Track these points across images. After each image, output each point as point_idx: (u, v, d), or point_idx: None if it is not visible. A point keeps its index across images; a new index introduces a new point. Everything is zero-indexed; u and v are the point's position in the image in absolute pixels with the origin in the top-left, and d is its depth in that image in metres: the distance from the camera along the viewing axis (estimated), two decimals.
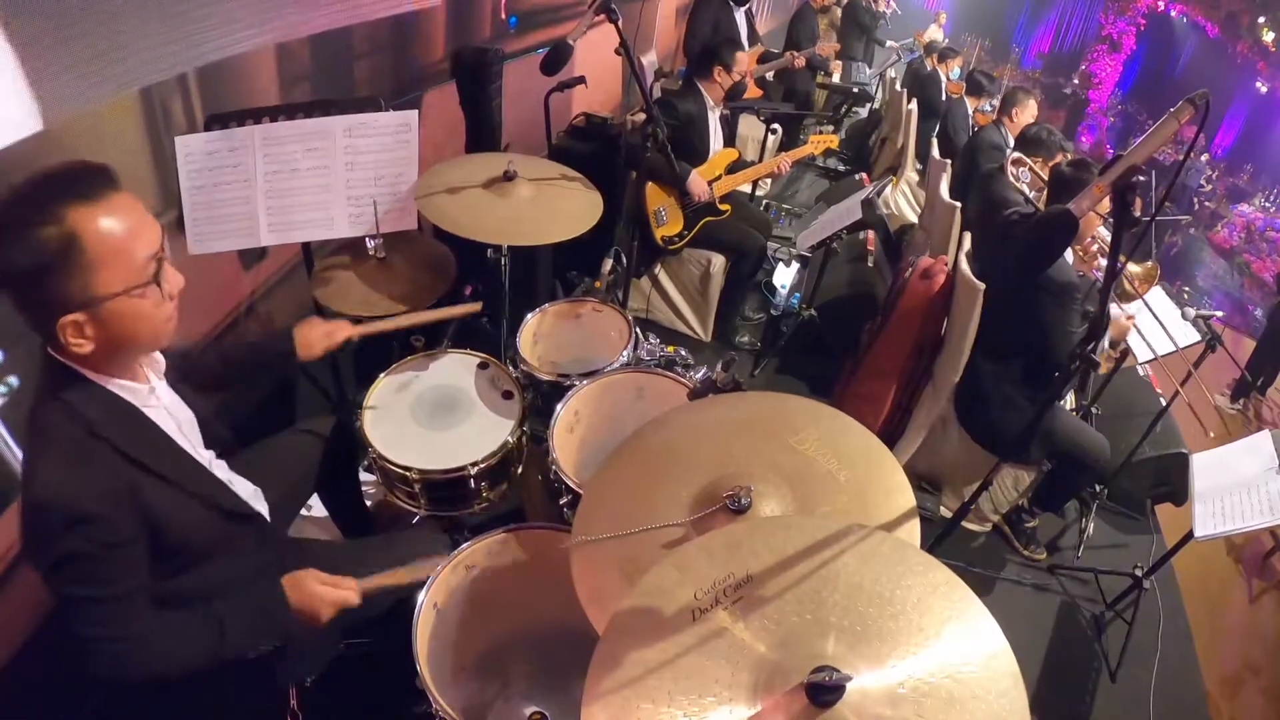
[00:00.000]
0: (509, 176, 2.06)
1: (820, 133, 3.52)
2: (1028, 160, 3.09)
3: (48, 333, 1.01)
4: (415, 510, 1.85)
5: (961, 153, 4.29)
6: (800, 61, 5.20)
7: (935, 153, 4.35)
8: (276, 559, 1.41)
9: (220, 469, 1.35)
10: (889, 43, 7.28)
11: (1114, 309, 2.63)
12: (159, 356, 1.22)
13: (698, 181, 3.13)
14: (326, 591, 1.26)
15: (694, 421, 1.47)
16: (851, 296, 4.06)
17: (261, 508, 1.41)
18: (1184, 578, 2.89)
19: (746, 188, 3.70)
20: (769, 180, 4.90)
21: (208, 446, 1.35)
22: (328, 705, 1.56)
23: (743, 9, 4.63)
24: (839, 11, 6.90)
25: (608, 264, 2.57)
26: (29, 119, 1.60)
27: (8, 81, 1.53)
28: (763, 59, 5.06)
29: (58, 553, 1.03)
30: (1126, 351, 2.74)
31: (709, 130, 3.26)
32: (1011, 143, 4.06)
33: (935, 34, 8.37)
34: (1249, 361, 5.24)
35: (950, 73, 5.76)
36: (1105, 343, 2.44)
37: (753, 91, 4.76)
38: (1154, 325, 2.76)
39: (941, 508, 2.86)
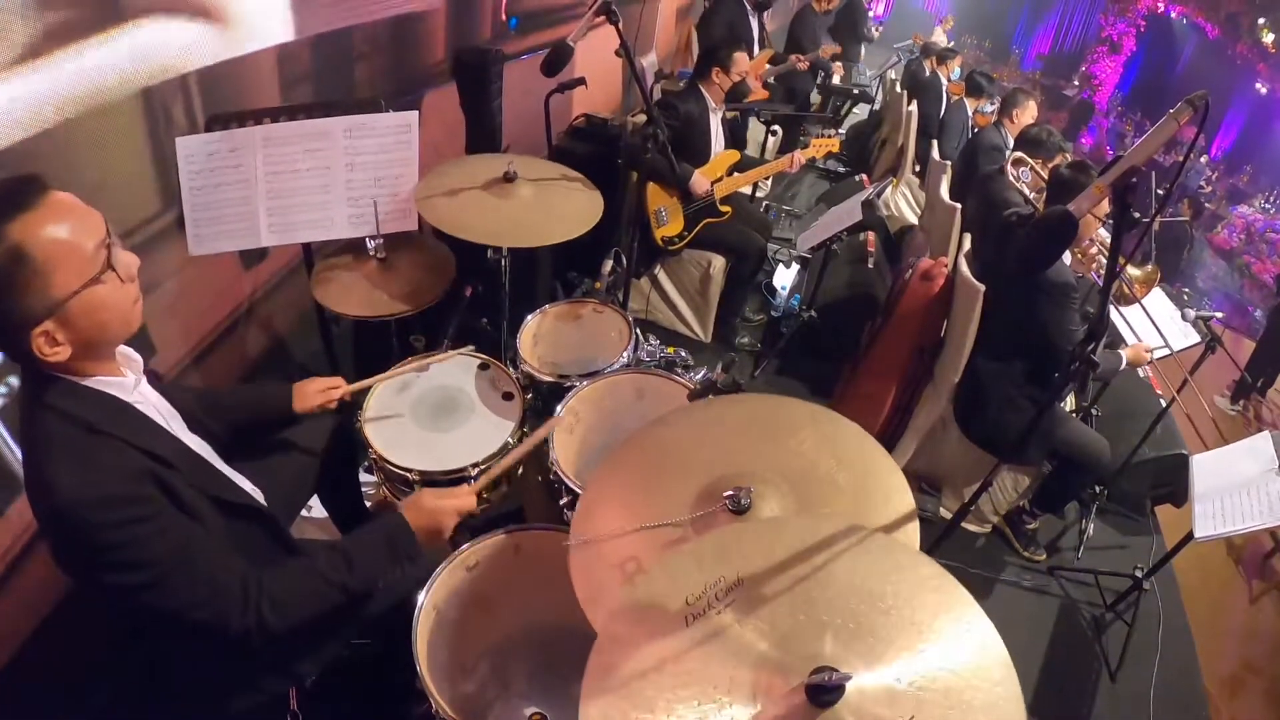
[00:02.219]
0: (509, 178, 2.07)
1: (823, 136, 3.52)
2: (1029, 161, 3.10)
3: (22, 352, 1.00)
4: None
5: (961, 154, 4.29)
6: (804, 64, 5.21)
7: (935, 154, 4.35)
8: (289, 558, 1.39)
9: (218, 462, 1.33)
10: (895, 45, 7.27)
11: (1130, 335, 2.64)
12: (136, 356, 1.21)
13: (700, 181, 3.13)
14: (445, 503, 1.29)
15: (694, 422, 1.47)
16: (852, 298, 4.06)
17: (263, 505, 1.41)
18: (1184, 578, 2.89)
19: (746, 189, 3.71)
20: (769, 181, 4.91)
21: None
22: (328, 705, 1.56)
23: (757, 12, 4.63)
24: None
25: (608, 265, 2.56)
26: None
27: None
28: (772, 62, 5.07)
29: (107, 544, 1.01)
30: None
31: (710, 131, 3.26)
32: (1011, 144, 4.06)
33: (940, 38, 8.35)
34: (1249, 363, 5.24)
35: (950, 74, 5.76)
36: (1121, 365, 2.45)
37: (760, 94, 4.77)
38: (1154, 327, 2.76)
39: (941, 509, 2.86)
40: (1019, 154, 3.15)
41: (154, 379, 1.29)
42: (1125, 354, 2.47)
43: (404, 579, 1.43)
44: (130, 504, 1.03)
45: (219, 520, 1.21)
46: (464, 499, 1.32)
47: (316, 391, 1.64)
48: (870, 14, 7.05)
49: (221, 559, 1.13)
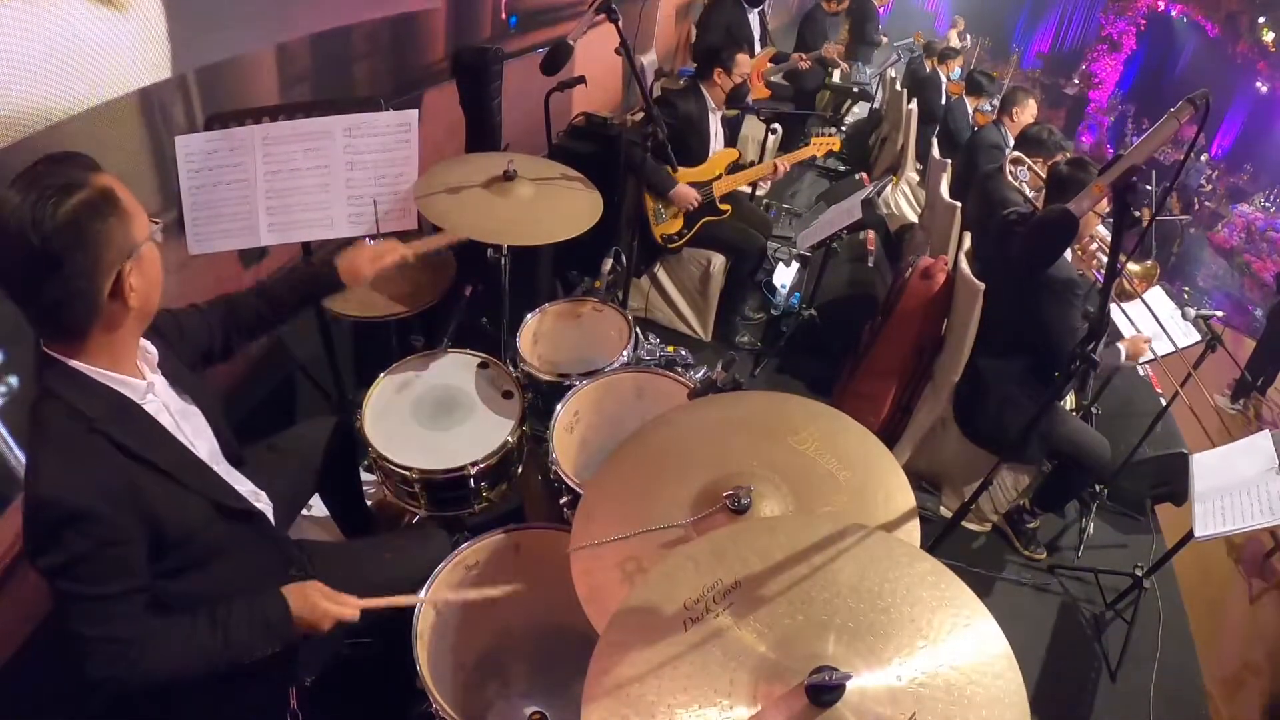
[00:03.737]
0: (509, 176, 2.06)
1: (823, 134, 3.52)
2: (1027, 159, 3.10)
3: (106, 297, 1.05)
4: (416, 510, 1.85)
5: (961, 152, 4.29)
6: (805, 63, 5.21)
7: (935, 152, 4.35)
8: (282, 560, 1.41)
9: (221, 465, 1.35)
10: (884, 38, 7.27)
11: (1130, 331, 2.64)
12: (151, 348, 1.23)
13: (683, 193, 3.11)
14: (329, 607, 1.27)
15: (694, 421, 1.47)
16: (852, 296, 4.07)
17: (263, 507, 1.41)
18: (1184, 578, 2.89)
19: (746, 187, 3.70)
20: (768, 180, 4.90)
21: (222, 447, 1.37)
22: (328, 705, 1.56)
23: (756, 10, 4.62)
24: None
25: (608, 264, 2.56)
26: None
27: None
28: (774, 60, 5.06)
29: (58, 549, 1.04)
30: None
31: (709, 131, 3.25)
32: (1011, 142, 4.06)
33: (954, 41, 8.34)
34: (1249, 361, 5.23)
35: (950, 73, 5.76)
36: (1121, 359, 2.44)
37: (761, 93, 4.75)
38: (1154, 326, 2.76)
39: (941, 508, 2.86)
40: (1017, 153, 3.15)
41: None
42: (1123, 347, 2.46)
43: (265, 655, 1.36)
44: (90, 522, 1.04)
45: (219, 521, 1.24)
46: (348, 611, 1.29)
47: (367, 262, 1.59)
48: (878, 20, 7.06)
49: (126, 616, 1.12)
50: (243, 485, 1.39)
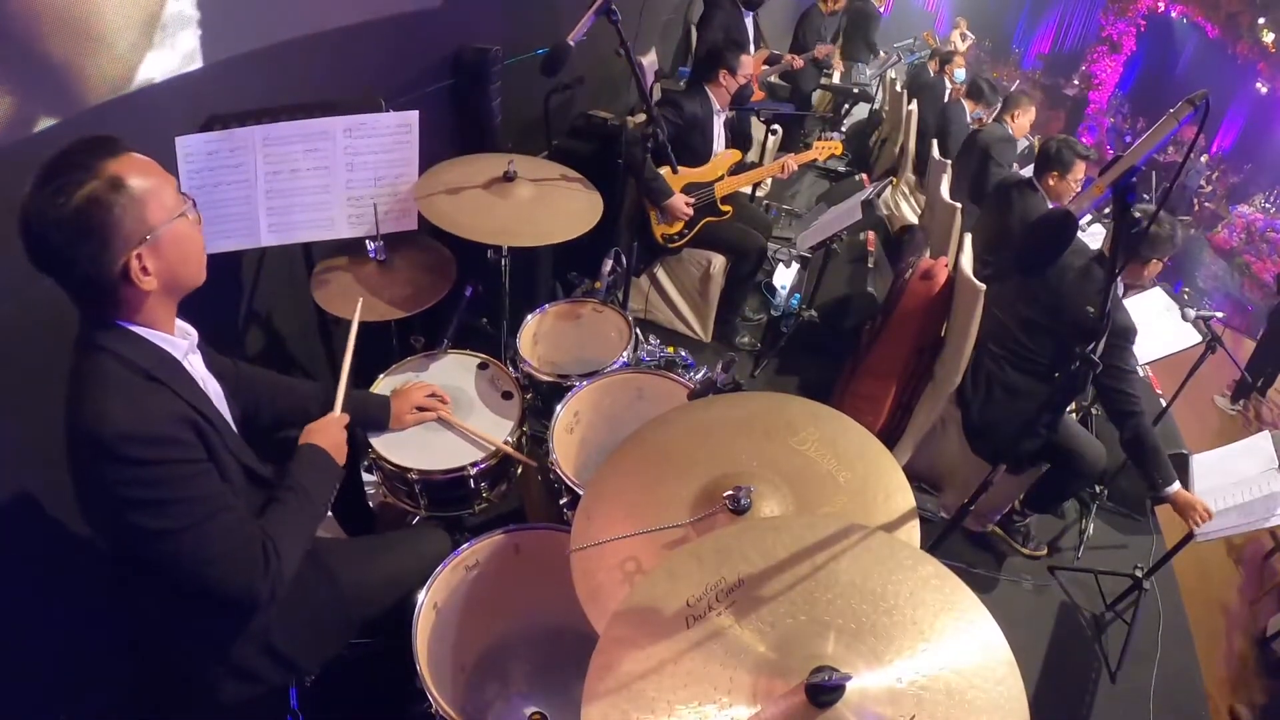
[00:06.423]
0: (509, 177, 2.06)
1: (825, 138, 3.52)
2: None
3: (108, 283, 1.07)
4: (415, 511, 1.85)
5: (962, 149, 4.29)
6: (799, 63, 5.22)
7: (935, 153, 4.35)
8: None
9: None
10: (883, 52, 7.27)
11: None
12: (191, 330, 1.26)
13: (676, 206, 3.10)
14: (329, 425, 1.50)
15: (694, 421, 1.47)
16: (851, 297, 4.07)
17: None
18: (1184, 578, 2.89)
19: (746, 189, 3.70)
20: (769, 180, 4.91)
21: None
22: (328, 705, 1.56)
23: (750, 12, 4.63)
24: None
25: (607, 264, 2.56)
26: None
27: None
28: (768, 62, 5.07)
29: (145, 480, 1.06)
30: None
31: (712, 133, 3.25)
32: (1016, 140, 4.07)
33: (958, 42, 8.32)
34: (1249, 362, 5.24)
35: (953, 76, 5.76)
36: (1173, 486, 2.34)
37: (755, 95, 4.76)
38: (1154, 326, 2.76)
39: (941, 509, 2.86)
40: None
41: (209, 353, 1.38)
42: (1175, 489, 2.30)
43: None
44: (177, 445, 1.09)
45: (246, 487, 1.27)
46: (339, 417, 1.53)
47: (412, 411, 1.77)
48: (880, 23, 7.05)
49: (245, 518, 1.20)
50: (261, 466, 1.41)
